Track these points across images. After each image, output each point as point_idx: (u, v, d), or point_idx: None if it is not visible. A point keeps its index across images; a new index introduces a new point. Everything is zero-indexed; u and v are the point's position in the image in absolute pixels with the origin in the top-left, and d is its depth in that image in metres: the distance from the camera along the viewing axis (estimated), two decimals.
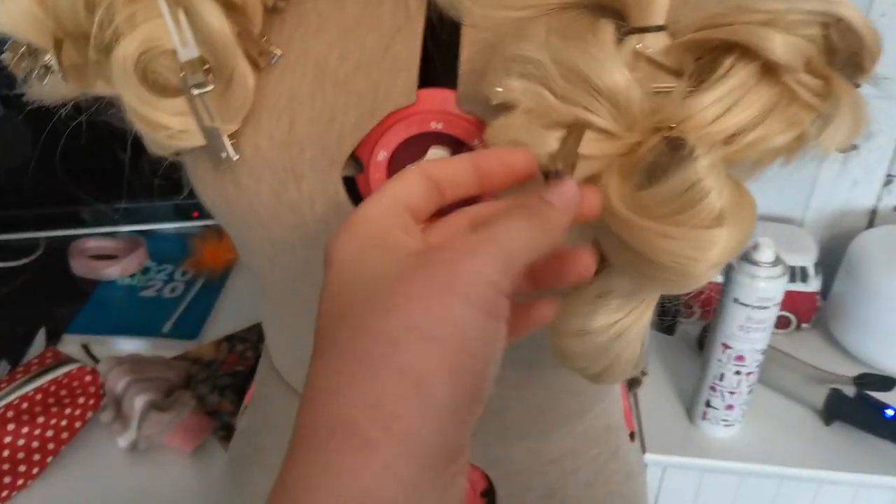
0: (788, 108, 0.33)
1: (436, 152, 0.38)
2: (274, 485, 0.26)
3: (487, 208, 0.32)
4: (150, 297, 1.03)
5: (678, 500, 0.88)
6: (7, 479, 0.74)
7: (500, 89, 0.33)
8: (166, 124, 0.36)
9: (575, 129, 0.32)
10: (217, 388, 0.88)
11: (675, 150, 0.32)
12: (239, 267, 1.09)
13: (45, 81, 0.36)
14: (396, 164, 0.38)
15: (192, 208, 1.04)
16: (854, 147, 0.35)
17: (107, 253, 1.08)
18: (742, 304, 0.75)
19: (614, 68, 0.31)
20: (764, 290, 0.74)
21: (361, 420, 0.24)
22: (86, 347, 0.94)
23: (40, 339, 0.93)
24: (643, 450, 0.84)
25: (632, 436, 0.59)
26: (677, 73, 0.34)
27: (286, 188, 0.38)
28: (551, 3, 0.35)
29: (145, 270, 1.07)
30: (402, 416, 0.24)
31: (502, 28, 0.36)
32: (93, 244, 1.08)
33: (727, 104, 0.32)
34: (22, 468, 0.75)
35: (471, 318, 0.25)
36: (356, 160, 0.38)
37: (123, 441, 0.79)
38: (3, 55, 0.37)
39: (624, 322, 0.38)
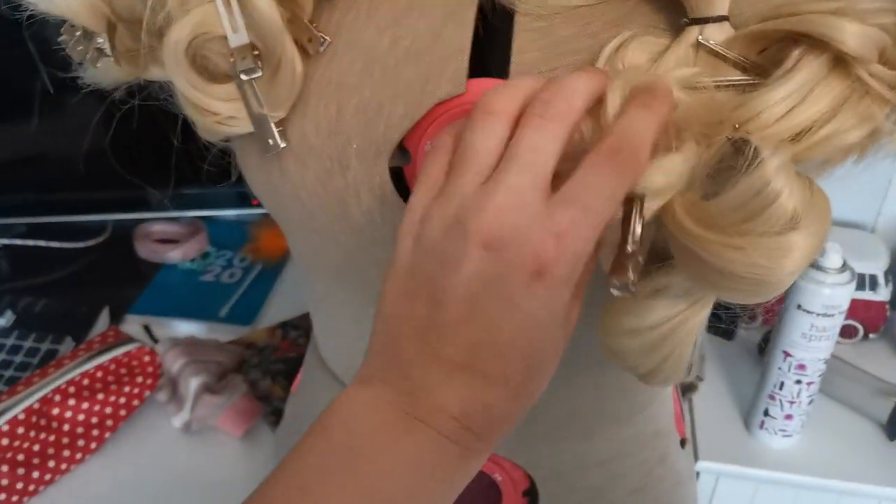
0: (861, 101, 0.31)
1: None
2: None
3: None
4: (209, 282, 1.05)
5: None
6: (66, 453, 0.76)
7: None
8: (215, 110, 0.36)
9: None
10: (269, 373, 0.89)
11: (739, 151, 0.30)
12: None
13: (99, 65, 0.37)
14: None
15: (252, 195, 1.05)
16: None
17: (170, 237, 1.11)
18: (806, 311, 0.72)
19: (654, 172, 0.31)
20: (829, 297, 0.71)
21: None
22: (147, 328, 0.96)
23: (104, 318, 0.96)
24: (696, 457, 0.81)
25: (682, 442, 0.58)
26: (741, 66, 0.32)
27: (332, 177, 0.38)
28: None
29: (205, 255, 1.10)
30: None
31: (557, 17, 0.35)
32: (157, 228, 1.11)
33: (795, 100, 0.30)
34: (81, 442, 0.77)
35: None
36: (404, 150, 0.38)
37: (178, 421, 0.81)
38: (62, 38, 0.38)
39: (677, 320, 0.36)
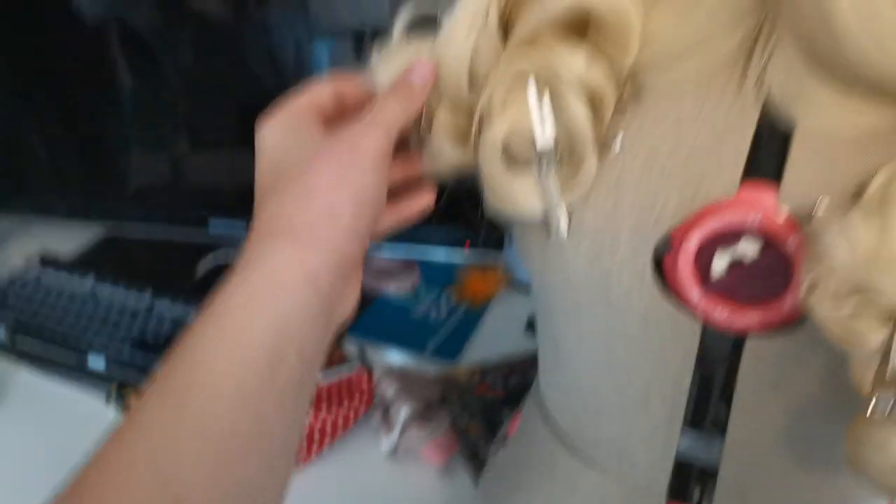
0: None
1: (747, 245, 0.40)
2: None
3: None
4: (419, 317, 1.13)
5: None
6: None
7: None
8: (515, 197, 0.42)
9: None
10: (467, 410, 0.95)
11: None
12: (497, 300, 1.16)
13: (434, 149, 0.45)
14: (706, 251, 0.41)
15: (463, 240, 1.13)
16: None
17: (387, 270, 1.21)
18: None
19: None
20: None
21: (297, 226, 0.40)
22: (362, 350, 1.05)
23: None
24: None
25: None
26: None
27: (600, 258, 0.42)
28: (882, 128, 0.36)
29: (417, 291, 1.19)
30: (322, 228, 0.40)
31: (835, 140, 0.37)
32: (377, 262, 1.21)
33: None
34: (302, 450, 0.87)
35: (369, 176, 0.41)
36: (666, 239, 0.42)
37: (385, 445, 0.88)
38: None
39: None
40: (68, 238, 1.26)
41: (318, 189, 0.40)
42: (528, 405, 0.62)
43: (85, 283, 1.11)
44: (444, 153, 0.44)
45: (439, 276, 1.21)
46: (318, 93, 0.46)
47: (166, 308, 1.06)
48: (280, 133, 0.43)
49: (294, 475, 0.85)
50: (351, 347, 1.06)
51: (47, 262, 1.17)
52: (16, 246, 1.25)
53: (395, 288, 1.18)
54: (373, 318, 1.13)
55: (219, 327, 0.37)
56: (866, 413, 0.37)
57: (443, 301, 1.17)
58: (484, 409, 0.96)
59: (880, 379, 0.34)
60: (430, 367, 1.01)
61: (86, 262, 1.21)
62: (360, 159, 0.41)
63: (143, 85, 1.09)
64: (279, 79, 1.04)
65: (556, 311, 0.48)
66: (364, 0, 0.97)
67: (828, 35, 0.34)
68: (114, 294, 1.09)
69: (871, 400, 0.36)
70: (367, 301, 1.16)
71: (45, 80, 1.11)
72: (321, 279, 0.39)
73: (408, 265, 1.21)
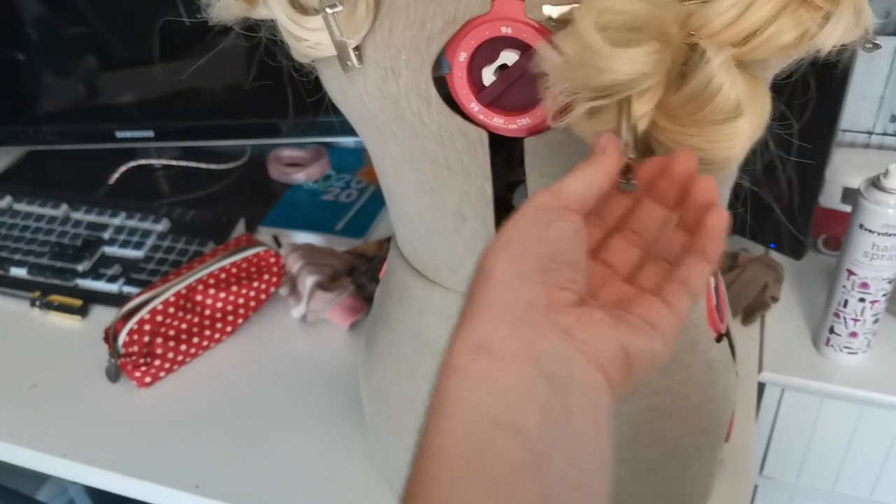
0: (797, 10, 0.36)
1: (507, 55, 0.45)
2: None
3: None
4: (329, 201, 1.18)
5: (796, 422, 0.90)
6: (207, 332, 0.92)
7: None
8: (306, 38, 0.46)
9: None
10: (375, 279, 1.01)
11: (694, 55, 0.37)
12: None
13: (220, 2, 0.48)
14: (475, 64, 0.46)
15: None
16: (875, 46, 0.38)
17: (297, 161, 1.25)
18: (867, 230, 0.74)
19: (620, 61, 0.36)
20: (892, 216, 0.73)
21: None
22: (275, 238, 1.11)
23: (240, 227, 1.12)
24: (760, 369, 0.86)
25: (719, 337, 0.64)
26: None
27: (387, 83, 0.47)
28: None
29: (326, 178, 1.23)
30: None
31: None
32: (286, 153, 1.25)
33: (741, 8, 0.36)
34: (219, 325, 0.93)
35: None
36: (445, 61, 0.47)
37: (296, 313, 0.94)
38: None
39: None
40: None
41: None
42: (391, 244, 0.68)
43: (2, 202, 1.14)
44: (230, 8, 0.48)
45: (348, 161, 1.26)
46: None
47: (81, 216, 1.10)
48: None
49: (218, 348, 0.93)
50: (264, 237, 1.11)
51: None
52: None
53: (306, 177, 1.22)
54: (285, 209, 1.18)
55: None
56: None
57: (352, 184, 1.22)
58: None
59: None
60: (339, 245, 1.07)
61: (4, 182, 1.25)
62: None
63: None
64: None
65: (368, 141, 0.53)
66: None
67: None
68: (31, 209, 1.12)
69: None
70: (279, 192, 1.21)
71: None
72: None
73: (317, 153, 1.25)
